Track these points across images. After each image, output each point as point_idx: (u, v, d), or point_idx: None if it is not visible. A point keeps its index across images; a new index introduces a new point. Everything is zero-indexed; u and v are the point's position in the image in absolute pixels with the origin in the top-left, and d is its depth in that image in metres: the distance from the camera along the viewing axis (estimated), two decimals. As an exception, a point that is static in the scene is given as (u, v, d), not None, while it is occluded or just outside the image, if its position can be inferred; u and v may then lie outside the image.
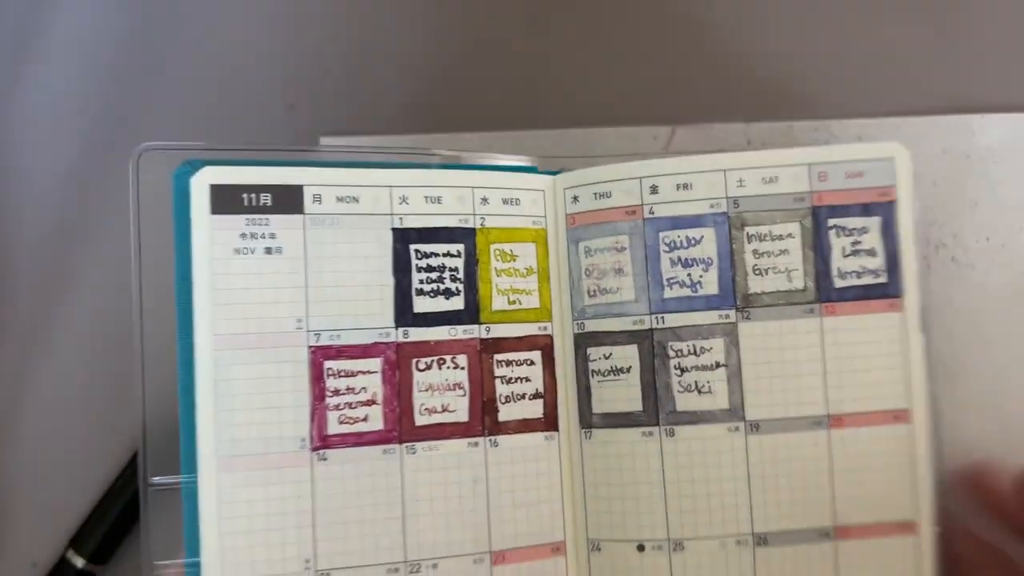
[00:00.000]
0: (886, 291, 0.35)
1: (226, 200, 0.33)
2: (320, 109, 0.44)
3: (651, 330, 0.35)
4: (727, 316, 0.34)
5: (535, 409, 0.35)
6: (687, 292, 0.34)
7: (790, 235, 0.34)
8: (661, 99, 0.43)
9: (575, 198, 0.36)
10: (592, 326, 0.35)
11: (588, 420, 0.35)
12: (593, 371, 0.35)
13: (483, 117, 0.43)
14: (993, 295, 0.41)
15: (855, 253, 0.35)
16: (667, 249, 0.35)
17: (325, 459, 0.33)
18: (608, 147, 0.41)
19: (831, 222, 0.35)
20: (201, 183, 0.33)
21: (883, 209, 0.35)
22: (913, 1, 0.44)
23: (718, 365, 0.34)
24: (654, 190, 0.35)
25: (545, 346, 0.35)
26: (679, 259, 0.35)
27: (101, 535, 0.39)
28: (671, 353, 0.34)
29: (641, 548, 0.34)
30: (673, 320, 0.34)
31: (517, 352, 0.35)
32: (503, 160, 0.36)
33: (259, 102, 0.44)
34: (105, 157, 0.44)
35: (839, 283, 0.34)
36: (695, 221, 0.35)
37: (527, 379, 0.35)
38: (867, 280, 0.35)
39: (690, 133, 0.42)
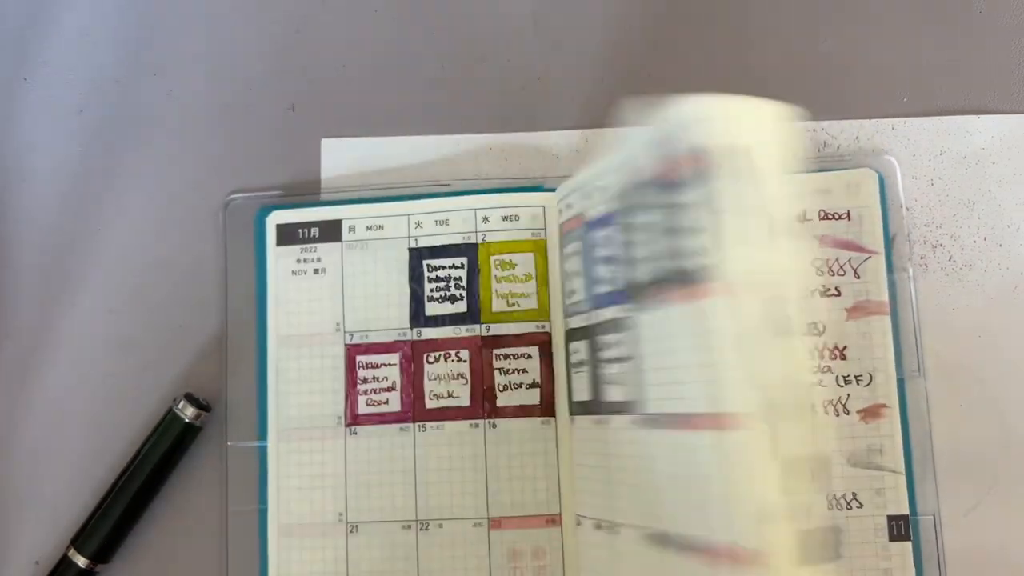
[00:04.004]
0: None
1: (287, 235, 0.42)
2: (320, 110, 0.45)
3: (593, 326, 0.38)
4: (626, 310, 0.36)
5: (532, 397, 0.40)
6: (608, 288, 0.37)
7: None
8: (659, 101, 0.42)
9: (560, 211, 0.40)
10: (571, 323, 0.39)
11: (572, 408, 0.39)
12: (572, 364, 0.39)
13: (482, 119, 0.44)
14: (991, 295, 0.41)
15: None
16: (597, 249, 0.38)
17: (355, 433, 0.40)
18: (607, 149, 0.41)
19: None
20: (271, 223, 0.43)
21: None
22: (910, 3, 0.43)
23: (622, 359, 0.36)
24: (589, 196, 0.38)
25: (543, 342, 0.40)
26: (602, 258, 0.37)
27: (103, 534, 0.41)
28: (600, 347, 0.37)
29: (599, 527, 0.37)
30: (601, 315, 0.37)
31: (515, 347, 0.40)
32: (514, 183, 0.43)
33: (260, 103, 0.45)
34: (106, 158, 0.45)
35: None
36: (607, 220, 0.37)
37: (524, 371, 0.40)
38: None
39: None
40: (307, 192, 0.44)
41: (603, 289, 0.37)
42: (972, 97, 0.42)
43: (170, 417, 0.42)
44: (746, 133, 0.29)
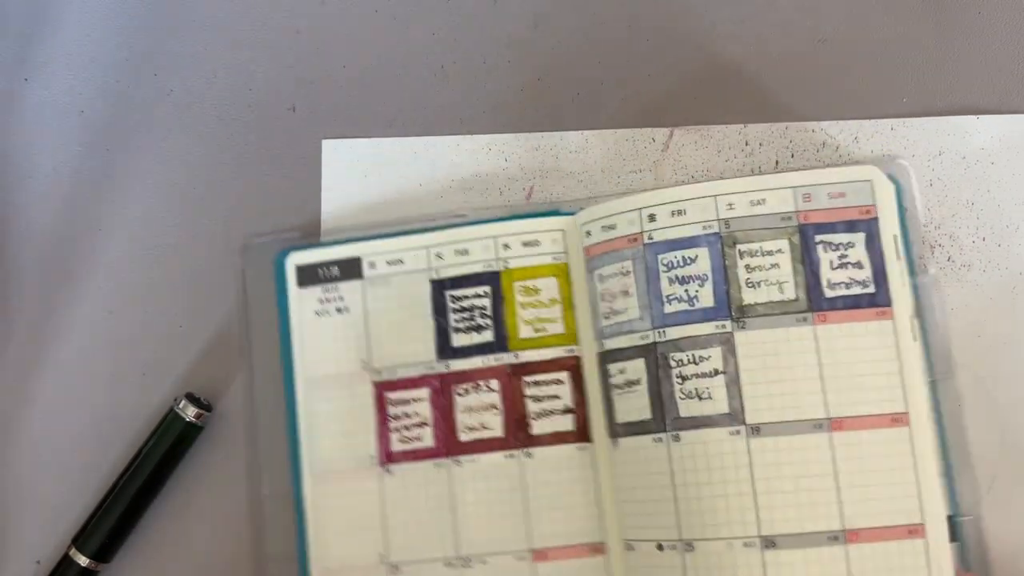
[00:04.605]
0: (874, 300, 0.39)
1: (307, 275, 0.45)
2: (320, 110, 0.48)
3: (655, 343, 0.41)
4: (723, 326, 0.40)
5: (566, 423, 0.43)
6: (685, 307, 0.41)
7: (779, 251, 0.40)
8: (659, 102, 0.47)
9: (588, 232, 0.43)
10: (609, 344, 0.42)
11: (614, 430, 0.42)
12: (613, 385, 0.42)
13: (482, 119, 0.47)
14: (990, 295, 0.44)
15: (843, 266, 0.39)
16: (665, 269, 0.41)
17: (391, 472, 0.43)
18: (606, 150, 0.47)
19: (818, 238, 0.40)
20: (291, 265, 0.45)
21: (866, 225, 0.40)
22: (909, 3, 0.47)
23: (716, 372, 0.40)
24: (652, 218, 0.42)
25: (573, 367, 0.43)
26: (676, 277, 0.41)
27: (104, 534, 0.44)
28: (672, 363, 0.41)
29: (660, 547, 0.40)
30: (673, 333, 0.41)
31: (546, 373, 0.43)
32: (527, 208, 0.46)
33: (260, 103, 0.48)
34: (106, 158, 0.48)
35: (829, 293, 0.39)
36: (690, 242, 0.41)
37: (556, 397, 0.43)
38: (856, 290, 0.39)
39: (688, 135, 0.46)
40: (311, 226, 0.47)
41: (680, 307, 0.41)
42: (971, 97, 0.46)
43: (171, 417, 0.45)
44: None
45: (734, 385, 0.40)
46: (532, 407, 0.43)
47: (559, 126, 0.47)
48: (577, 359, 0.43)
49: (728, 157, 0.46)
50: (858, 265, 0.40)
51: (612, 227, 0.43)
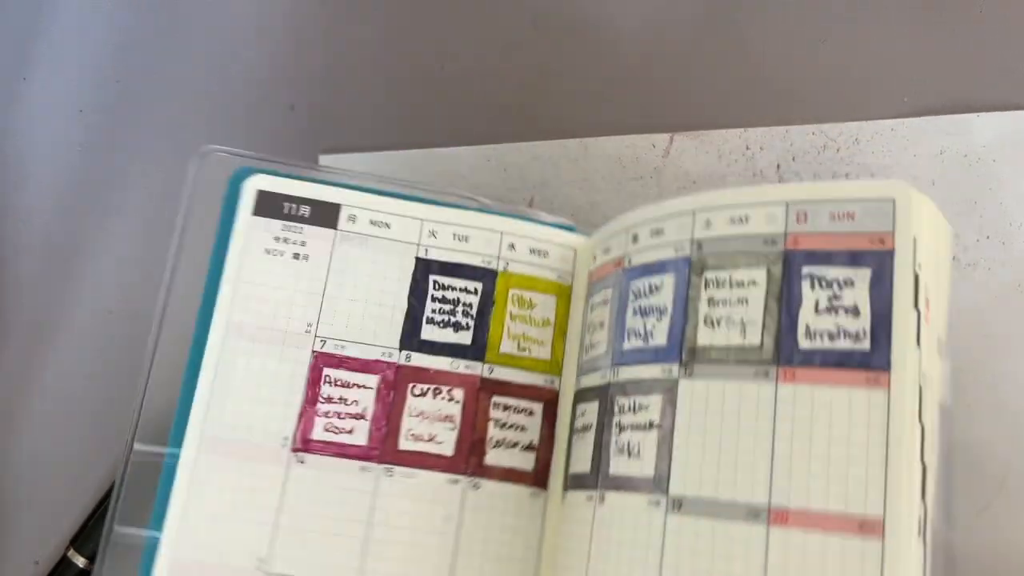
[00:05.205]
0: (867, 361, 0.35)
1: (268, 205, 0.45)
2: (320, 110, 0.53)
3: (608, 384, 0.41)
4: (669, 371, 0.39)
5: (526, 461, 0.44)
6: (639, 344, 0.40)
7: (753, 282, 0.37)
8: (659, 107, 0.51)
9: (595, 256, 0.45)
10: (583, 382, 0.44)
11: (566, 481, 0.43)
12: (575, 429, 0.43)
13: (480, 128, 0.51)
14: (995, 293, 0.48)
15: (832, 310, 0.36)
16: (633, 298, 0.41)
17: (302, 462, 0.42)
18: (607, 158, 0.51)
19: (805, 270, 0.37)
20: (251, 187, 0.45)
21: (876, 259, 0.35)
22: (910, 3, 0.51)
23: (651, 425, 0.39)
24: (635, 239, 0.42)
25: (548, 401, 0.45)
26: (639, 308, 0.41)
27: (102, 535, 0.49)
28: (616, 409, 0.40)
29: None
30: (625, 373, 0.40)
31: (518, 399, 0.44)
32: (545, 217, 0.47)
33: (259, 102, 0.54)
34: (106, 158, 0.54)
35: (805, 344, 0.36)
36: (659, 267, 0.40)
37: (522, 428, 0.44)
38: (843, 344, 0.35)
39: (688, 140, 0.51)
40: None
41: (635, 344, 0.40)
42: (972, 95, 0.50)
43: (171, 417, 0.54)
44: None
45: (665, 444, 0.38)
46: (493, 432, 0.44)
47: (558, 133, 0.52)
48: (555, 393, 0.45)
49: (729, 162, 0.52)
50: (853, 311, 0.35)
51: (608, 250, 0.44)
